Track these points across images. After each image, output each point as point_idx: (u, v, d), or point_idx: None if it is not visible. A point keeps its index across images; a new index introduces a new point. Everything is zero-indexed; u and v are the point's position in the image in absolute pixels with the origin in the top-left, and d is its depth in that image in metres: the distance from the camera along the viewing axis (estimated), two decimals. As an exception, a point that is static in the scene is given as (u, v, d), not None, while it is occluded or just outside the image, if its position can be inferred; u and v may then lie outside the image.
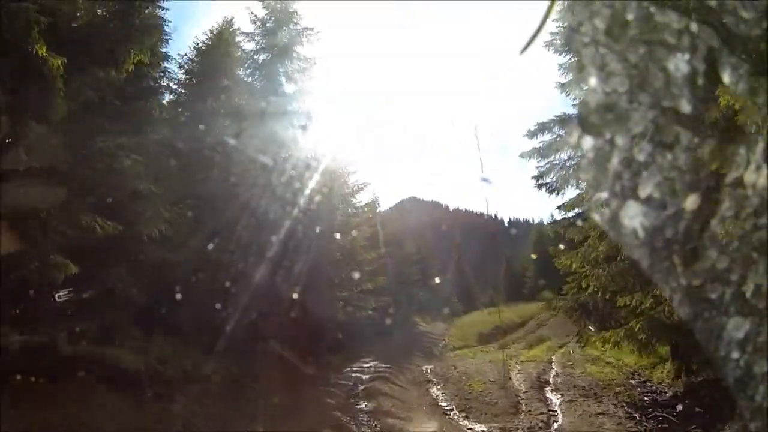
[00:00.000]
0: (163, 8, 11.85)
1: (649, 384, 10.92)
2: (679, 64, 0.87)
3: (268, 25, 14.65)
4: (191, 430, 7.84)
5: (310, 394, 10.31)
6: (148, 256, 9.57)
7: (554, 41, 12.85)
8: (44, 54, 7.02)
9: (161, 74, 12.02)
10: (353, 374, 12.73)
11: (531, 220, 66.32)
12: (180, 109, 13.80)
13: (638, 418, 8.70)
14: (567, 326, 17.71)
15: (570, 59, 12.93)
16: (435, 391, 11.77)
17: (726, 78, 0.89)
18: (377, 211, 21.03)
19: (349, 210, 16.75)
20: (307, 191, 11.70)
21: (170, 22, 13.65)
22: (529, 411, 9.68)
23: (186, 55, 14.03)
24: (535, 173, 14.57)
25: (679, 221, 0.84)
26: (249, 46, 14.81)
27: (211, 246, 10.38)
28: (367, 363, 14.03)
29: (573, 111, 13.50)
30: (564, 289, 14.89)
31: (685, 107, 0.85)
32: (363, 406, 10.30)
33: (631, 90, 0.88)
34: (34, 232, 7.63)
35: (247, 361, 10.22)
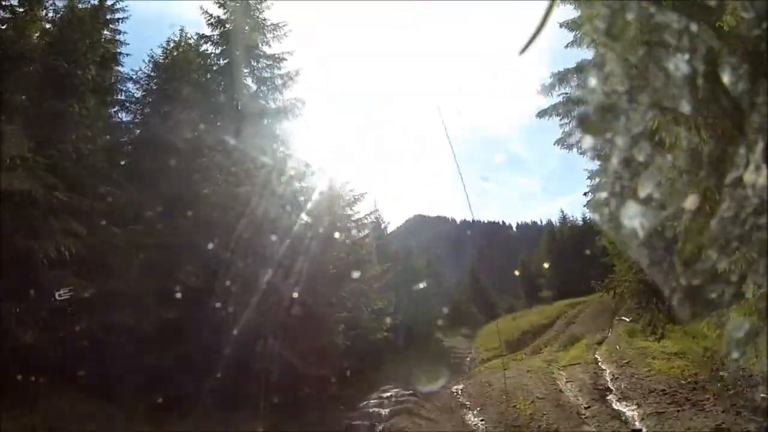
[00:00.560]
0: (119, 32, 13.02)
1: (750, 377, 8.02)
2: (679, 64, 0.87)
3: (227, 26, 13.60)
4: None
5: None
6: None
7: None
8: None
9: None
10: (371, 409, 11.16)
11: (539, 221, 66.47)
12: (138, 131, 13.40)
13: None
14: (597, 320, 16.31)
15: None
16: (472, 419, 9.61)
17: (726, 78, 0.88)
18: (384, 230, 19.59)
19: (349, 225, 15.50)
20: (299, 212, 11.15)
21: (127, 44, 13.81)
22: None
23: (141, 69, 13.74)
24: (559, 135, 13.44)
25: (679, 221, 0.84)
26: (210, 49, 13.82)
27: (186, 273, 10.06)
28: (386, 392, 12.29)
29: (591, 56, 11.65)
30: (616, 270, 13.17)
31: (685, 107, 0.85)
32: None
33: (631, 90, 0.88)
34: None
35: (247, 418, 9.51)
